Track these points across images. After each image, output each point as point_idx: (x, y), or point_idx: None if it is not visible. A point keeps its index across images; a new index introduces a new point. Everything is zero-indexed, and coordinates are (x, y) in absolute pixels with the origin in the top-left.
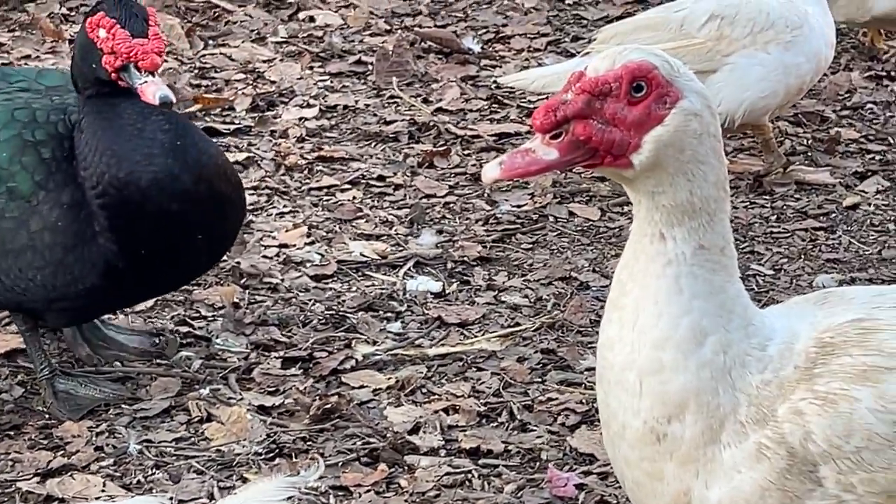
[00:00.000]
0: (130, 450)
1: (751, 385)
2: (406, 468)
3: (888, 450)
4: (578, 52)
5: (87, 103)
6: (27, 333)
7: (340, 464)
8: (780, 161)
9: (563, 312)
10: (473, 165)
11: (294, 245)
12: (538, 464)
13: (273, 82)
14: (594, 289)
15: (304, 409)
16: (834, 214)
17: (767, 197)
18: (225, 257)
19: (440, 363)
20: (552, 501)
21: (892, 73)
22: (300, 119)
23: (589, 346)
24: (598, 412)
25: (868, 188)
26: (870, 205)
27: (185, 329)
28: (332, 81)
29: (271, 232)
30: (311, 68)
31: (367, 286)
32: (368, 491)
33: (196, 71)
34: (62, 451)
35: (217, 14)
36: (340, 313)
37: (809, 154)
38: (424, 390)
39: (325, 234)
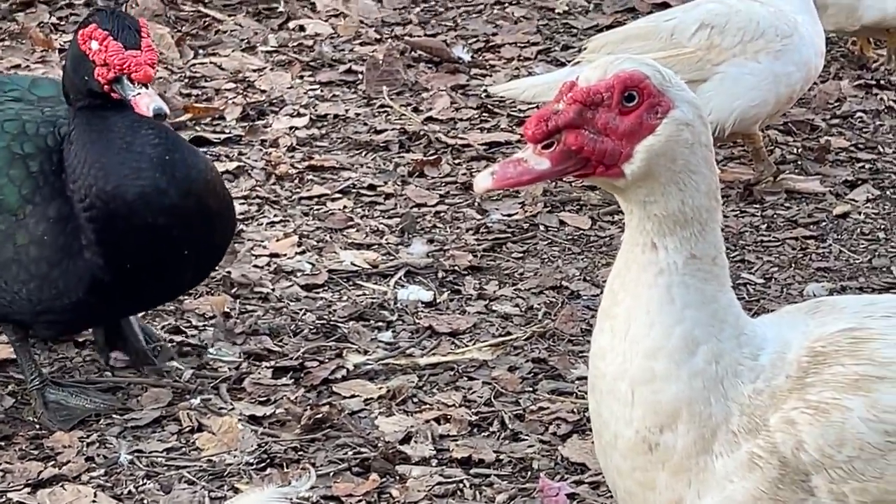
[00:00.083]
0: (121, 460)
1: (743, 394)
2: (397, 478)
3: (880, 459)
4: (568, 62)
5: (78, 115)
6: (17, 344)
7: (332, 474)
8: (770, 170)
9: (554, 321)
10: (464, 174)
11: (285, 254)
12: (530, 473)
13: (263, 91)
14: (585, 298)
15: (295, 418)
16: (824, 223)
17: (758, 206)
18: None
19: (431, 372)
20: None
21: (882, 82)
22: (290, 128)
23: (580, 355)
24: (589, 421)
25: (858, 197)
26: (860, 213)
27: (178, 338)
28: (322, 90)
29: (262, 241)
30: (302, 77)
31: (358, 295)
32: (360, 501)
33: (186, 80)
34: (53, 462)
35: (207, 23)
36: (331, 323)
37: (799, 163)
38: (416, 400)
39: (315, 243)
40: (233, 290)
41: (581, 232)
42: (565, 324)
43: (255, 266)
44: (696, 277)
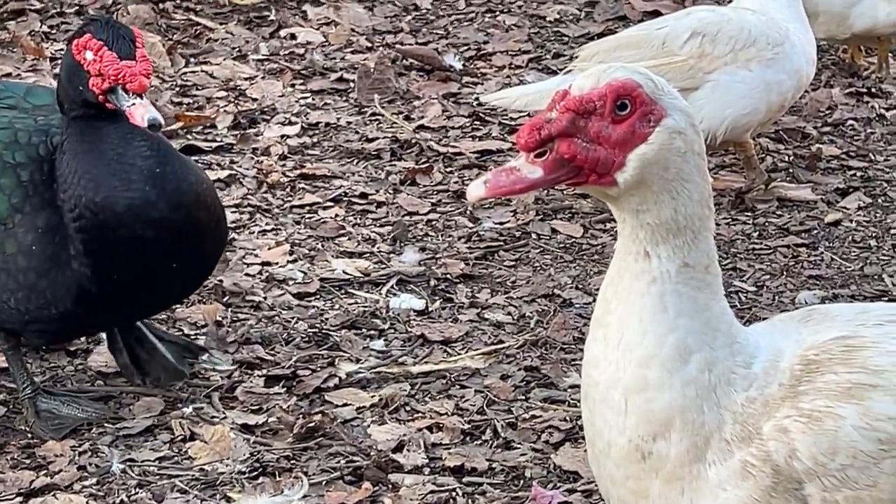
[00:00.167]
0: (113, 469)
1: (736, 403)
2: (390, 486)
3: (873, 467)
4: (560, 70)
5: (71, 125)
6: (9, 352)
7: (324, 482)
8: (761, 178)
9: (547, 330)
10: (456, 183)
11: (277, 263)
12: (522, 482)
13: (255, 100)
14: (577, 306)
15: (287, 427)
16: (816, 231)
17: (749, 214)
18: None
19: (424, 381)
20: None
21: (873, 90)
22: (282, 136)
23: (572, 363)
24: (582, 430)
25: (850, 204)
26: (851, 221)
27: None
28: (313, 99)
29: (254, 250)
30: (293, 86)
31: (350, 304)
32: None
33: (177, 89)
34: (45, 471)
35: (198, 32)
36: (323, 331)
37: (791, 171)
38: (408, 408)
39: (307, 251)
40: (225, 299)
41: (573, 240)
42: (558, 332)
43: (247, 274)
44: (689, 286)
